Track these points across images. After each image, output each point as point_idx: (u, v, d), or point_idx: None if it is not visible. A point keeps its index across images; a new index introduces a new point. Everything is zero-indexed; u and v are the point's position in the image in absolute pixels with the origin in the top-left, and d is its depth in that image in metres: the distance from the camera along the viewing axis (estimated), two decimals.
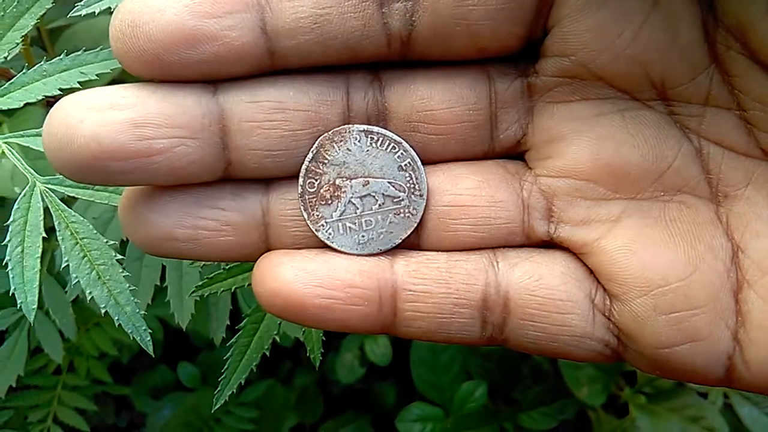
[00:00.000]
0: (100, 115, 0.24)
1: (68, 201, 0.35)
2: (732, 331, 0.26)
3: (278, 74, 0.26)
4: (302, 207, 0.27)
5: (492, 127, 0.28)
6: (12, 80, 0.35)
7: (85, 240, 0.32)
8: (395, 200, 0.28)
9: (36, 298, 0.31)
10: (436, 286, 0.27)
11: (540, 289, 0.27)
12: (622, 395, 0.78)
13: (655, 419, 0.76)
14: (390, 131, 0.28)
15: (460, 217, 0.28)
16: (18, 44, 0.36)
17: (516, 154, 0.29)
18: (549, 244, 0.28)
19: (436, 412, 0.76)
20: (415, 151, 0.28)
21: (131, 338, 0.67)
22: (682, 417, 0.76)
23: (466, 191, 0.28)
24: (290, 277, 0.26)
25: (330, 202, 0.28)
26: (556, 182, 0.28)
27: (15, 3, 0.35)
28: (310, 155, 0.27)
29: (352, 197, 0.28)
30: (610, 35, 0.26)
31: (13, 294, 0.58)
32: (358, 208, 0.28)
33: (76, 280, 0.31)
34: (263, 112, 0.26)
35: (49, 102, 0.46)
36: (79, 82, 0.35)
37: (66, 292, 0.51)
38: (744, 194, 0.26)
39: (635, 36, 0.25)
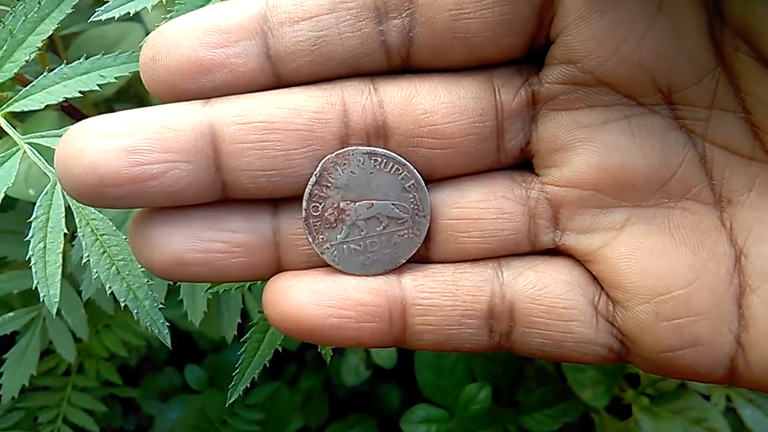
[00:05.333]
0: (98, 144, 0.25)
1: None
2: (734, 335, 0.26)
3: (272, 90, 0.27)
4: (307, 231, 0.28)
5: (498, 138, 0.28)
6: (33, 83, 0.36)
7: (104, 236, 0.33)
8: (399, 222, 0.28)
9: (58, 292, 0.32)
10: (444, 299, 0.28)
11: (544, 297, 0.28)
12: (625, 397, 0.79)
13: (658, 421, 0.76)
14: (392, 150, 0.28)
15: (467, 230, 0.28)
16: (38, 48, 0.37)
17: (521, 161, 0.29)
18: (553, 251, 0.29)
19: (441, 413, 0.77)
20: (418, 171, 0.28)
21: (142, 338, 0.68)
22: (684, 419, 0.76)
23: (473, 204, 0.28)
24: (301, 299, 0.27)
25: (335, 225, 0.28)
26: (562, 191, 0.28)
27: (36, 8, 0.37)
28: (313, 179, 0.27)
29: (356, 220, 0.28)
30: (615, 41, 0.26)
31: (25, 295, 0.59)
32: (362, 231, 0.28)
33: (96, 275, 0.32)
34: (255, 133, 0.26)
35: (63, 106, 0.47)
36: (98, 85, 0.36)
37: (80, 292, 0.52)
38: (747, 200, 0.26)
39: (640, 41, 0.25)
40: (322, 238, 0.28)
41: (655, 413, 0.77)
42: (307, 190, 0.27)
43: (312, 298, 0.27)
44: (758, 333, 0.26)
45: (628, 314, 0.27)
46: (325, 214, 0.28)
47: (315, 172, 0.27)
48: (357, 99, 0.27)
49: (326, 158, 0.27)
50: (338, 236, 0.28)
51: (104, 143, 0.25)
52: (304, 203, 0.28)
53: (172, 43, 0.26)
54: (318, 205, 0.28)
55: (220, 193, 0.27)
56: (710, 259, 0.27)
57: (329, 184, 0.28)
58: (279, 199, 0.28)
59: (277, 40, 0.26)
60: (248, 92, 0.27)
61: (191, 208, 0.27)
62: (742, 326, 0.26)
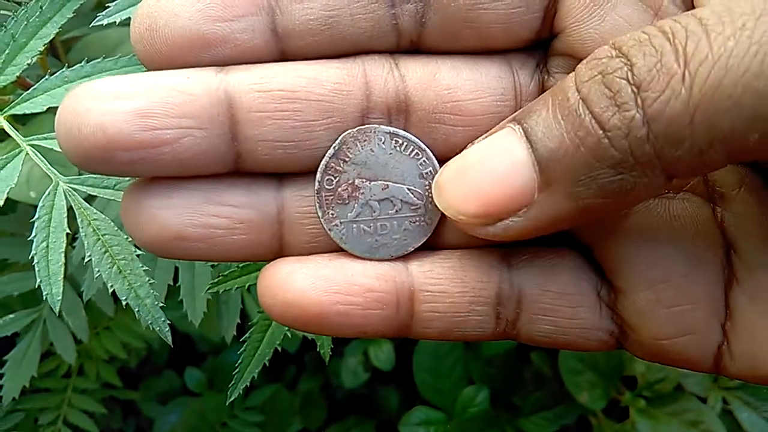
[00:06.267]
0: (106, 105, 0.23)
1: (87, 200, 0.37)
2: (721, 324, 0.27)
3: (289, 62, 0.26)
4: (317, 204, 0.27)
5: None
6: (36, 86, 0.37)
7: (106, 236, 0.33)
8: (413, 208, 0.28)
9: (61, 291, 0.32)
10: (453, 285, 0.27)
11: (553, 283, 0.28)
12: (622, 399, 0.79)
13: (655, 423, 0.77)
14: (413, 125, 0.27)
15: None
16: (40, 52, 0.38)
17: None
18: (557, 239, 0.29)
19: (439, 416, 0.77)
20: (438, 151, 0.27)
21: (142, 340, 0.68)
22: (681, 421, 0.76)
23: None
24: (306, 285, 0.26)
25: (347, 202, 0.27)
26: None
27: (38, 12, 0.37)
28: (331, 151, 0.26)
29: (370, 199, 0.28)
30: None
31: (26, 297, 0.59)
32: (374, 211, 0.28)
33: (98, 274, 0.33)
34: (274, 102, 0.25)
35: None
36: None
37: (80, 294, 0.53)
38: (738, 195, 0.27)
39: None
40: (332, 214, 0.27)
41: (652, 415, 0.77)
42: (323, 162, 0.27)
43: (317, 284, 0.26)
44: (741, 325, 0.27)
45: (629, 301, 0.27)
46: (339, 189, 0.27)
47: (334, 145, 0.26)
48: (379, 72, 0.27)
49: (347, 132, 0.26)
50: (349, 214, 0.27)
51: (114, 104, 0.24)
52: (319, 175, 0.27)
53: (171, 13, 0.25)
54: (333, 178, 0.27)
55: (233, 163, 0.26)
56: (707, 250, 0.27)
57: (347, 159, 0.27)
58: (284, 176, 0.27)
59: (285, 18, 0.25)
60: None
61: (191, 180, 0.26)
62: (727, 316, 0.27)
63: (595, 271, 0.28)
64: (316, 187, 0.27)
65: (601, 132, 0.22)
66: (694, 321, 0.27)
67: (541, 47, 0.28)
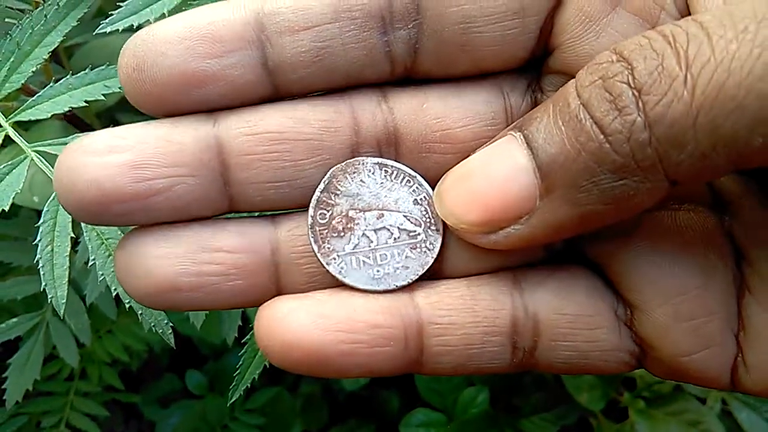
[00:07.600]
0: (100, 160, 0.24)
1: None
2: (735, 335, 0.26)
3: (279, 101, 0.26)
4: (312, 239, 0.26)
5: None
6: (40, 93, 0.37)
7: (110, 240, 0.34)
8: (411, 234, 0.27)
9: (65, 294, 0.33)
10: (463, 315, 0.26)
11: (569, 306, 0.27)
12: (621, 400, 0.80)
13: (654, 423, 0.77)
14: (404, 157, 0.27)
15: None
16: (44, 60, 0.38)
17: None
18: (566, 259, 0.28)
19: (439, 417, 0.78)
20: (431, 180, 0.27)
21: (143, 343, 0.69)
22: (680, 421, 0.77)
23: None
24: (306, 323, 0.25)
25: (342, 234, 0.27)
26: None
27: (42, 21, 0.38)
28: (321, 185, 0.26)
29: (366, 230, 0.27)
30: None
31: (28, 300, 0.60)
32: (372, 242, 0.27)
33: (102, 278, 0.34)
34: (263, 144, 0.25)
35: (66, 116, 0.48)
36: (102, 94, 0.37)
37: (83, 297, 0.53)
38: (744, 203, 0.27)
39: None
40: (329, 248, 0.26)
41: (651, 416, 0.78)
42: (314, 197, 0.26)
43: (319, 323, 0.25)
44: (755, 336, 0.26)
45: (646, 318, 0.26)
46: (333, 222, 0.27)
47: (323, 179, 0.26)
48: (366, 107, 0.27)
49: (335, 167, 0.26)
50: (346, 246, 0.27)
51: (107, 159, 0.24)
52: (311, 210, 0.26)
53: (159, 52, 0.24)
54: (325, 212, 0.26)
55: (227, 207, 0.26)
56: (719, 259, 0.26)
57: (338, 192, 0.26)
58: (277, 216, 0.27)
59: (276, 51, 0.25)
60: (244, 104, 0.26)
61: (181, 228, 0.26)
62: (740, 327, 0.26)
63: (610, 290, 0.28)
64: (309, 222, 0.27)
65: (602, 136, 0.22)
66: (712, 334, 0.26)
67: (533, 66, 0.28)
